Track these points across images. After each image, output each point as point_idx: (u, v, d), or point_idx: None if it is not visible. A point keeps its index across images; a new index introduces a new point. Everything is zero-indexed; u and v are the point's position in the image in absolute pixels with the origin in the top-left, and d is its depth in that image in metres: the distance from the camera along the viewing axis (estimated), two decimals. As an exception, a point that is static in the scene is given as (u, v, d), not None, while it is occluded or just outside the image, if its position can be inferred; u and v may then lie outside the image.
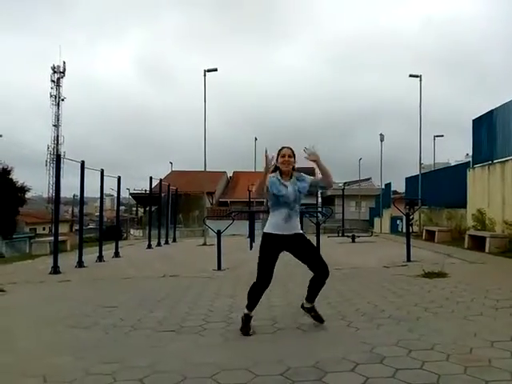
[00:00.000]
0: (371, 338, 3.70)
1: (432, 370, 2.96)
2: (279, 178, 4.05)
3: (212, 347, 3.68)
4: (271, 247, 3.97)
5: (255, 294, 4.02)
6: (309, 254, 4.12)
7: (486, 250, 10.17)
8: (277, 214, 4.00)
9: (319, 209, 21.81)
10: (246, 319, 4.01)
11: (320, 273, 4.09)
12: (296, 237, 4.06)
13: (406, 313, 4.60)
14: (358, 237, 15.33)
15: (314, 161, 4.04)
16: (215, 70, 16.89)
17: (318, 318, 4.19)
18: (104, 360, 3.38)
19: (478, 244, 10.91)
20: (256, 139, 44.37)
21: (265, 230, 4.06)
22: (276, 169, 4.10)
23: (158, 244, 15.69)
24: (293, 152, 4.12)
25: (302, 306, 4.30)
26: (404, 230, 13.00)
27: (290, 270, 6.38)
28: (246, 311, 4.03)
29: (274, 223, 4.00)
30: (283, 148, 4.14)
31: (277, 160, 4.08)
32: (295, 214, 4.06)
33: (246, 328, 3.97)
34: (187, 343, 3.80)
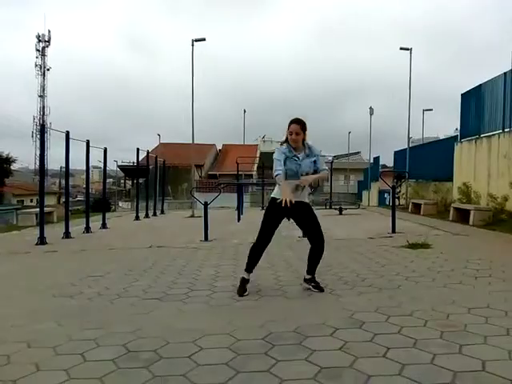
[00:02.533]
0: (352, 305, 3.78)
1: (409, 335, 3.04)
2: (290, 149, 4.09)
3: (195, 314, 3.73)
4: (276, 211, 4.04)
5: (254, 253, 4.21)
6: (310, 224, 4.23)
7: (470, 222, 10.32)
8: (287, 179, 4.03)
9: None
10: (243, 281, 4.23)
11: (316, 245, 4.24)
12: (302, 205, 4.14)
13: (388, 281, 4.69)
14: (345, 209, 15.45)
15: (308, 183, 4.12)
16: (203, 39, 16.57)
17: (318, 287, 4.28)
18: (87, 326, 3.42)
19: (462, 216, 11.06)
20: (245, 111, 44.03)
21: (272, 195, 4.16)
22: (286, 140, 4.14)
23: (146, 216, 15.67)
24: (302, 127, 4.08)
25: (304, 279, 4.41)
26: (391, 203, 13.12)
27: (282, 242, 6.42)
28: (243, 274, 4.26)
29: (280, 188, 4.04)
30: (292, 123, 4.09)
31: (287, 132, 4.11)
32: (302, 186, 4.10)
33: (241, 289, 4.18)
34: (171, 310, 3.85)
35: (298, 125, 4.07)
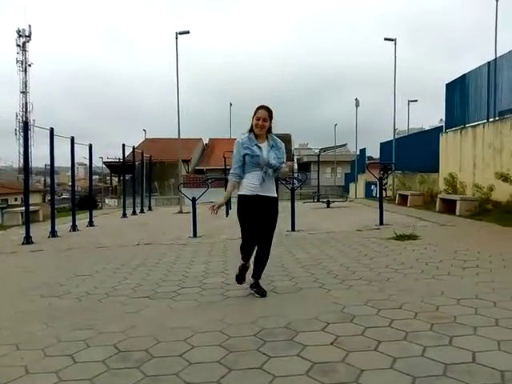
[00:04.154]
0: (342, 299, 3.80)
1: (399, 328, 3.06)
2: (253, 138, 3.93)
3: (186, 312, 3.71)
4: (248, 208, 3.93)
5: (245, 250, 4.07)
6: (267, 226, 4.00)
7: (457, 212, 10.42)
8: (250, 175, 3.92)
9: (295, 175, 21.87)
10: (243, 268, 4.15)
11: (263, 249, 4.04)
12: (270, 201, 3.98)
13: (377, 274, 4.71)
14: (333, 202, 15.51)
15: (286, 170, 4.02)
16: (187, 32, 16.43)
17: (260, 293, 4.03)
18: (77, 327, 3.38)
19: (448, 207, 11.16)
20: (231, 105, 43.86)
21: (239, 192, 4.01)
22: (251, 128, 3.98)
23: (133, 213, 15.57)
24: (270, 114, 3.94)
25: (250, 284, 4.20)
26: (378, 195, 13.20)
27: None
28: (242, 262, 4.14)
29: (248, 185, 3.92)
30: (260, 109, 3.94)
31: (252, 118, 3.94)
32: (269, 177, 3.93)
33: (240, 276, 4.17)
34: (161, 309, 3.82)
35: (267, 111, 3.93)
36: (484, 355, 2.55)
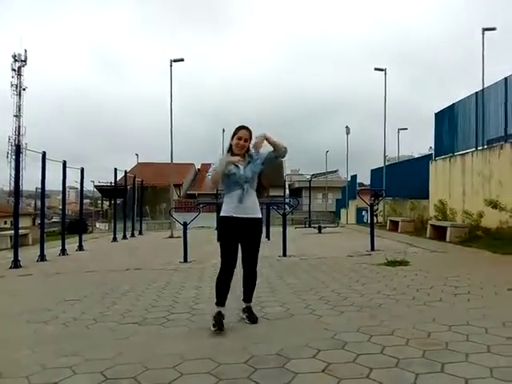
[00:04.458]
0: (334, 325, 3.76)
1: (391, 355, 3.03)
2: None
3: (175, 338, 3.65)
4: (229, 231, 3.83)
5: (220, 285, 3.83)
6: (251, 249, 3.94)
7: (447, 239, 10.47)
8: (230, 196, 3.87)
9: (286, 200, 21.93)
10: (219, 317, 3.72)
11: (248, 272, 3.98)
12: (253, 223, 3.89)
13: (368, 300, 4.68)
14: (325, 227, 15.54)
15: (266, 139, 3.87)
16: (182, 60, 16.65)
17: (251, 319, 3.94)
18: (63, 353, 3.30)
19: (439, 233, 11.22)
20: (224, 131, 44.15)
21: (221, 214, 3.93)
22: (229, 149, 3.93)
23: (124, 237, 15.44)
24: (250, 134, 3.90)
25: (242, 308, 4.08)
26: (369, 221, 13.26)
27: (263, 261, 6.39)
28: (216, 309, 3.79)
29: (228, 206, 3.86)
30: (241, 129, 3.90)
31: (232, 138, 3.91)
32: (248, 195, 3.85)
33: (220, 324, 3.68)
34: (150, 335, 3.76)
35: (248, 131, 3.90)
36: (477, 382, 2.53)
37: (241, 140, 3.86)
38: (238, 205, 3.84)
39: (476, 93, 12.54)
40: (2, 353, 3.39)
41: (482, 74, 15.67)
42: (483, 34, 16.47)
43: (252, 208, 3.91)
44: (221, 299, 3.84)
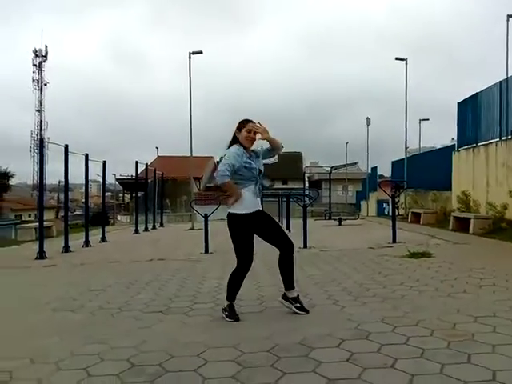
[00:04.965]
0: (357, 316, 3.75)
1: (416, 345, 3.00)
2: (244, 151, 3.81)
3: (199, 327, 3.69)
4: (247, 228, 3.77)
5: (237, 281, 3.83)
6: (275, 232, 3.92)
7: (470, 231, 10.30)
8: (246, 191, 3.76)
9: (306, 192, 21.88)
10: (231, 308, 3.82)
11: (285, 247, 3.88)
12: (261, 213, 3.88)
13: (391, 291, 4.65)
14: (345, 220, 15.44)
15: (266, 138, 3.84)
16: (200, 52, 16.66)
17: (303, 309, 3.88)
18: (90, 341, 3.38)
19: (462, 225, 11.05)
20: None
21: (236, 211, 3.75)
22: (235, 140, 3.87)
23: (146, 229, 15.62)
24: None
25: (285, 297, 3.96)
26: (390, 213, 13.12)
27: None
28: (227, 302, 3.85)
29: (248, 202, 3.75)
30: (249, 122, 3.85)
31: (239, 130, 3.84)
32: (259, 190, 3.86)
33: (234, 315, 3.77)
34: (174, 323, 3.81)
35: (254, 125, 3.86)
36: (504, 374, 2.50)
37: (250, 133, 3.82)
38: (254, 200, 3.81)
39: (500, 82, 12.24)
40: (32, 340, 3.48)
41: (506, 63, 15.27)
42: (508, 20, 16.03)
43: (259, 202, 3.91)
44: (234, 295, 3.87)
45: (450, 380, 2.46)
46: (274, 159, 4.46)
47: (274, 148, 3.96)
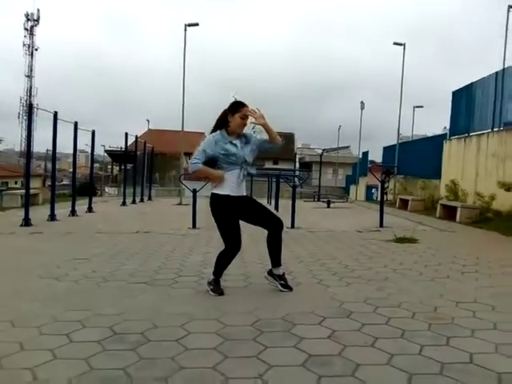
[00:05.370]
0: (340, 295, 3.79)
1: (397, 326, 3.05)
2: (225, 135, 3.69)
3: (183, 299, 3.70)
4: (229, 210, 3.67)
5: (225, 261, 3.80)
6: (262, 213, 3.87)
7: (457, 219, 10.40)
8: (229, 174, 3.67)
9: (296, 173, 21.89)
10: (216, 282, 3.82)
11: (274, 225, 3.83)
12: (246, 199, 3.83)
13: (375, 273, 4.70)
14: (334, 202, 15.50)
15: (262, 124, 3.70)
16: (196, 24, 16.34)
17: (287, 287, 3.91)
18: (73, 308, 3.37)
19: (449, 214, 11.15)
20: (235, 94, 43.64)
21: (218, 192, 3.67)
22: (224, 123, 3.72)
23: (133, 202, 15.54)
24: None
25: (270, 273, 3.96)
26: (378, 198, 13.19)
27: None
28: (213, 277, 3.85)
29: (228, 184, 3.66)
30: (244, 106, 3.70)
31: (232, 114, 3.68)
32: (244, 175, 3.75)
33: (219, 289, 3.78)
34: (158, 295, 3.81)
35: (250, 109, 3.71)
36: (481, 357, 2.54)
37: (245, 119, 3.70)
38: (237, 185, 3.71)
39: (496, 72, 12.23)
40: (14, 304, 3.47)
41: (503, 53, 15.22)
42: (508, 10, 15.92)
43: (245, 187, 3.85)
44: (220, 272, 3.86)
45: (429, 361, 2.50)
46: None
47: (270, 140, 3.80)
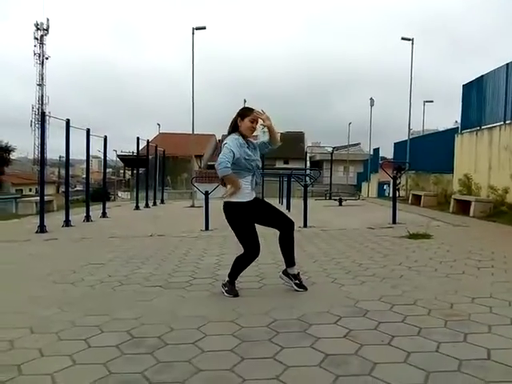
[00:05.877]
0: (355, 294, 3.78)
1: (413, 324, 3.03)
2: (243, 140, 3.73)
3: (199, 301, 3.72)
4: (244, 216, 3.70)
5: (243, 264, 3.82)
6: (274, 215, 3.90)
7: (471, 213, 10.31)
8: (245, 181, 3.69)
9: (307, 172, 21.83)
10: (231, 284, 3.85)
11: (285, 226, 3.87)
12: (256, 201, 3.85)
13: (390, 271, 4.68)
14: (345, 200, 15.44)
15: (269, 125, 3.78)
16: (203, 28, 16.41)
17: (302, 286, 3.91)
18: (90, 313, 3.41)
19: (463, 208, 11.05)
20: (245, 101, 43.84)
21: (236, 200, 3.65)
22: (236, 128, 3.77)
23: (146, 205, 15.63)
24: None
25: (285, 273, 3.97)
26: (390, 195, 13.11)
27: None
28: (228, 279, 3.87)
29: (245, 191, 3.69)
30: (252, 111, 3.78)
31: (241, 119, 3.74)
32: (257, 182, 3.81)
33: (234, 291, 3.81)
34: (174, 298, 3.84)
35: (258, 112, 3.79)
36: (499, 352, 2.53)
37: (254, 123, 3.76)
38: (251, 191, 3.76)
39: (507, 64, 12.08)
40: (32, 310, 3.52)
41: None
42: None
43: (254, 191, 3.86)
44: (236, 275, 3.88)
45: (446, 358, 2.48)
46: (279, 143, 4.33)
47: (271, 141, 3.91)
